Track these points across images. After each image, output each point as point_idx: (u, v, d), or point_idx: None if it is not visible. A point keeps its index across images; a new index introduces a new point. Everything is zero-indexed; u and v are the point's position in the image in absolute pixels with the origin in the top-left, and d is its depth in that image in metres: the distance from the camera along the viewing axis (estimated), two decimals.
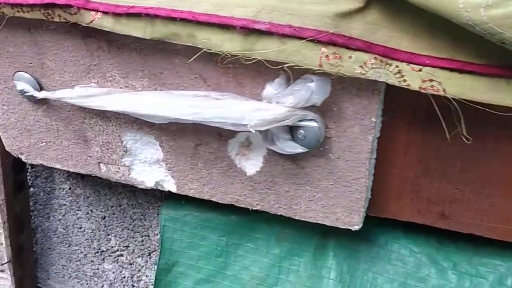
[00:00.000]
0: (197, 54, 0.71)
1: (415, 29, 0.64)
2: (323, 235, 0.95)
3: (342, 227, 0.82)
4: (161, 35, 0.72)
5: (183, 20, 0.70)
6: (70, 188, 1.18)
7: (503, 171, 0.74)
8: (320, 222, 0.83)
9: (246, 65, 0.71)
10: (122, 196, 1.13)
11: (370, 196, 0.81)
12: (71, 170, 0.98)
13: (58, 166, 0.99)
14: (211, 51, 0.70)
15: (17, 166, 1.12)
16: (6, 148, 1.02)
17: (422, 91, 0.64)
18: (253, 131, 0.72)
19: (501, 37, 0.55)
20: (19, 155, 1.01)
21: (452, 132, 0.69)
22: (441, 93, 0.63)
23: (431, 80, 0.63)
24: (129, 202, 1.13)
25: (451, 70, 0.63)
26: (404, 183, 0.81)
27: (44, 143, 0.97)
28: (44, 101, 0.92)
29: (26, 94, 0.88)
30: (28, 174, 1.20)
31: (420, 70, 0.64)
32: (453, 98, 0.63)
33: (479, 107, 0.63)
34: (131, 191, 1.12)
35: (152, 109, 0.78)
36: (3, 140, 1.01)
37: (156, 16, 0.71)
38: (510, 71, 0.61)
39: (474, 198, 0.78)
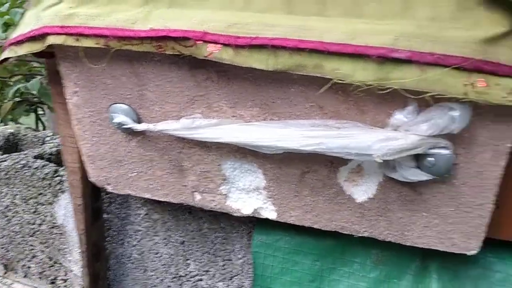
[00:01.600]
0: (327, 85, 0.69)
1: None
2: (423, 256, 0.93)
3: (457, 252, 0.81)
4: (285, 67, 0.70)
5: (311, 50, 0.68)
6: (146, 214, 1.16)
7: None
8: (433, 248, 0.82)
9: (370, 92, 0.69)
10: (203, 221, 1.11)
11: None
12: (162, 199, 0.96)
13: (148, 196, 0.97)
14: (340, 82, 0.68)
15: (94, 195, 1.10)
16: (91, 179, 1.00)
17: None
18: (380, 161, 0.71)
19: None
20: (105, 186, 0.99)
21: None
22: None
23: None
24: (210, 226, 1.11)
25: None
26: None
27: (135, 173, 0.95)
28: (138, 133, 0.90)
29: (124, 126, 0.86)
30: (103, 201, 1.18)
31: None
32: None
33: None
34: (212, 215, 1.10)
35: (268, 141, 0.76)
36: (89, 170, 0.99)
37: (282, 47, 0.69)
38: None
39: None
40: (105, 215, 1.20)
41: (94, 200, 1.11)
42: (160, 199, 0.97)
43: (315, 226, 0.89)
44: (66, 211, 1.26)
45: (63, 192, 1.26)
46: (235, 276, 1.14)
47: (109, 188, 0.99)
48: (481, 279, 0.90)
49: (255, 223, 1.05)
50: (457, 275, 0.91)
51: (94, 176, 0.99)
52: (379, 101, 0.72)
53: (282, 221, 0.90)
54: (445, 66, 0.64)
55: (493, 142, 0.70)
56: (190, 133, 0.81)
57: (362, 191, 0.82)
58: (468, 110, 0.67)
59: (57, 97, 0.98)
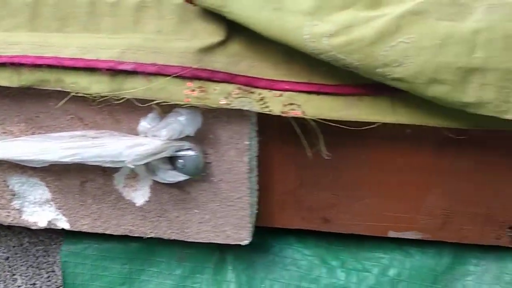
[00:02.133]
0: (66, 98, 0.72)
1: (275, 58, 0.69)
2: (221, 250, 0.98)
3: (232, 243, 0.86)
4: (29, 83, 0.72)
5: (49, 66, 0.70)
6: None
7: (369, 176, 0.81)
8: (212, 242, 0.87)
9: (123, 103, 0.72)
10: (23, 235, 1.11)
11: (257, 211, 0.86)
12: None
13: None
14: (80, 95, 0.71)
15: None
16: None
17: (284, 115, 0.69)
18: (132, 167, 0.74)
19: (344, 62, 0.61)
20: None
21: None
22: (301, 115, 0.68)
23: (291, 104, 0.69)
24: (30, 240, 1.11)
25: (309, 93, 0.69)
26: (286, 195, 0.86)
27: None
28: None
29: None
30: None
31: (281, 95, 0.69)
32: (313, 119, 0.69)
33: (337, 125, 0.69)
34: (31, 229, 1.10)
35: (31, 155, 0.77)
36: None
37: (22, 65, 0.71)
38: (360, 89, 0.67)
39: (348, 201, 0.85)
40: None
41: None
42: None
43: (107, 232, 0.91)
44: None
45: None
46: (60, 286, 1.14)
47: None
48: (272, 265, 0.96)
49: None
50: (251, 264, 0.97)
51: None
52: (130, 110, 0.76)
53: (76, 230, 0.92)
54: (167, 76, 0.68)
55: (234, 141, 0.76)
56: None
57: (140, 195, 0.86)
58: (196, 114, 0.72)
59: None
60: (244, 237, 0.86)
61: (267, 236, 0.96)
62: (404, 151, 0.77)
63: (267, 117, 0.73)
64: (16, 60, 0.71)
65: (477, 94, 0.60)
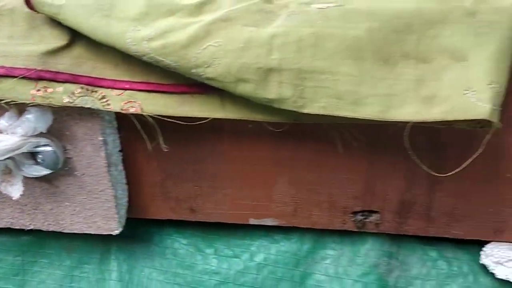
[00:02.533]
0: None
1: (115, 59, 0.75)
2: (106, 242, 1.04)
3: (104, 233, 0.93)
4: None
5: None
6: None
7: (225, 167, 0.88)
8: (86, 232, 0.93)
9: None
10: None
11: (127, 203, 0.92)
12: None
13: None
14: None
15: None
16: None
17: (124, 111, 0.75)
18: None
19: (163, 64, 0.68)
20: None
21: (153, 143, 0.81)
22: (140, 112, 0.75)
23: (130, 102, 0.75)
24: None
25: (147, 91, 0.75)
26: (154, 187, 0.93)
27: None
28: None
29: None
30: None
31: (121, 94, 0.75)
32: (151, 116, 0.75)
33: (174, 120, 0.75)
34: None
35: None
36: None
37: None
38: (192, 88, 0.74)
39: (210, 192, 0.91)
40: None
41: None
42: None
43: None
44: None
45: None
46: None
47: None
48: (153, 255, 1.03)
49: None
50: (133, 253, 1.03)
51: None
52: None
53: None
54: (14, 77, 0.74)
55: (88, 137, 0.82)
56: None
57: (16, 189, 0.91)
58: (45, 112, 0.78)
59: None
60: (114, 228, 0.92)
61: (150, 227, 1.03)
62: (249, 144, 0.84)
63: (127, 116, 0.78)
64: None
65: (277, 91, 0.68)
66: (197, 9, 0.72)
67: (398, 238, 0.95)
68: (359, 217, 0.90)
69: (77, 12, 0.70)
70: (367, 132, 0.78)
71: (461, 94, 0.63)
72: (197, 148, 0.86)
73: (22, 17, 0.77)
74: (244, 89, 0.68)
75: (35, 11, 0.73)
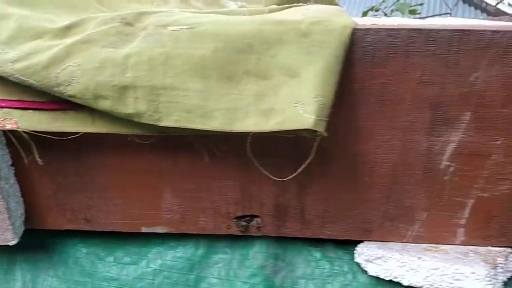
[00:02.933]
0: None
1: None
2: (12, 252, 1.08)
3: (1, 244, 0.96)
4: None
5: None
6: None
7: (113, 179, 0.93)
8: None
9: None
10: None
11: (23, 214, 0.96)
12: None
13: None
14: None
15: None
16: None
17: (1, 128, 0.80)
18: None
19: (28, 83, 0.73)
20: None
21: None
22: (16, 128, 0.80)
23: (7, 119, 0.80)
24: None
25: (23, 109, 0.80)
26: (49, 199, 0.97)
27: None
28: None
29: None
30: None
31: None
32: (26, 132, 0.80)
33: (47, 136, 0.80)
34: None
35: None
36: None
37: None
38: (63, 105, 0.79)
39: (101, 202, 0.96)
40: None
41: None
42: None
43: None
44: None
45: None
46: None
47: None
48: (56, 264, 1.06)
49: None
50: (36, 263, 1.07)
51: None
52: None
53: None
54: None
55: None
56: None
57: None
58: None
59: None
60: (10, 238, 0.96)
61: (53, 237, 1.07)
62: (130, 156, 0.89)
63: (16, 132, 0.83)
64: None
65: (133, 107, 0.73)
66: (63, 32, 0.77)
67: (284, 241, 1.01)
68: (243, 222, 0.95)
69: None
70: (231, 142, 0.84)
71: (292, 107, 0.69)
72: (81, 161, 0.91)
73: None
74: (104, 105, 0.73)
75: None
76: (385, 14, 5.19)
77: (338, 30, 0.71)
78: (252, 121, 0.70)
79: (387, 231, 0.93)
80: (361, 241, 0.97)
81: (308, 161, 0.74)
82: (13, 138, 0.83)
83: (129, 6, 1.01)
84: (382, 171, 0.85)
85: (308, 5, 1.07)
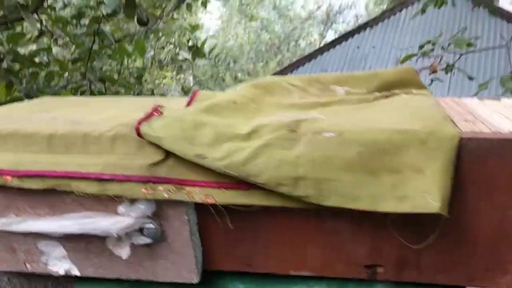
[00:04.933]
0: (82, 196, 1.18)
1: (196, 167, 1.14)
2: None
3: (187, 282, 1.30)
4: (50, 186, 1.19)
5: (61, 176, 1.17)
6: (8, 279, 1.60)
7: (275, 234, 1.24)
8: (174, 281, 1.31)
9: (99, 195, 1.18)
10: (47, 278, 1.57)
11: (202, 260, 1.30)
12: (6, 269, 1.41)
13: None
14: (81, 193, 1.17)
15: None
16: None
17: (203, 202, 1.13)
18: (116, 235, 1.20)
19: (230, 174, 1.06)
20: None
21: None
22: (214, 202, 1.13)
23: (207, 195, 1.13)
24: (53, 282, 1.56)
25: (218, 188, 1.13)
26: (221, 248, 1.30)
27: None
28: None
29: None
30: None
31: (200, 190, 1.13)
32: (221, 205, 1.13)
33: (239, 208, 1.13)
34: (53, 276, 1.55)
35: (54, 228, 1.24)
36: None
37: (45, 176, 1.18)
38: (247, 185, 1.12)
39: (262, 251, 1.28)
40: None
41: None
42: (3, 270, 1.42)
43: (106, 277, 1.36)
44: None
45: None
46: None
47: None
48: None
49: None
50: None
51: None
52: (112, 200, 1.21)
53: (84, 276, 1.37)
54: (132, 181, 1.14)
55: (177, 217, 1.21)
56: (7, 227, 1.28)
57: (124, 252, 1.30)
58: (151, 202, 1.17)
59: None
60: (193, 278, 1.29)
61: (217, 277, 1.39)
62: (289, 218, 1.20)
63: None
64: (41, 173, 1.18)
65: (305, 191, 1.04)
66: (247, 137, 1.10)
67: (402, 285, 1.28)
68: (369, 269, 1.24)
69: (172, 142, 1.10)
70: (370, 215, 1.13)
71: (421, 196, 0.98)
72: (252, 221, 1.23)
73: (133, 140, 1.17)
74: (283, 189, 1.05)
75: (141, 137, 1.13)
76: (442, 48, 5.33)
77: (448, 139, 1.00)
78: (391, 204, 1.00)
79: (486, 279, 1.18)
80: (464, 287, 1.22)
81: (435, 234, 1.02)
82: (211, 209, 1.16)
83: (277, 102, 1.34)
84: (485, 234, 1.11)
85: (404, 96, 1.36)
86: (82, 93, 3.29)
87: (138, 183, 1.14)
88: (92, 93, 3.18)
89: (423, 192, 0.98)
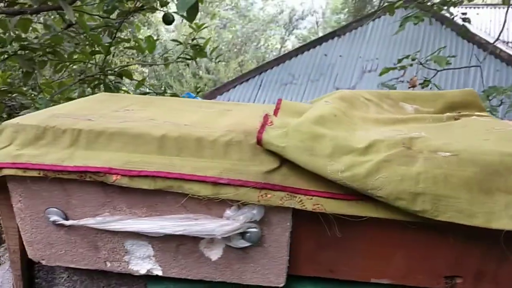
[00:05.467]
0: (186, 198, 1.21)
1: (308, 176, 1.20)
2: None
3: (273, 285, 1.35)
4: (161, 187, 1.22)
5: (175, 178, 1.20)
6: (68, 276, 1.59)
7: (362, 243, 1.31)
8: (259, 284, 1.36)
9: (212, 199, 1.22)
10: (111, 277, 1.57)
11: (288, 265, 1.35)
12: (82, 267, 1.42)
13: (72, 265, 1.42)
14: (194, 196, 1.20)
15: (28, 267, 1.52)
16: (30, 256, 1.43)
17: (314, 210, 1.19)
18: (220, 238, 1.24)
19: (350, 186, 1.13)
20: (40, 260, 1.43)
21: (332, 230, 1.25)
22: (324, 211, 1.19)
23: (317, 204, 1.19)
24: (117, 282, 1.57)
25: (327, 198, 1.19)
26: (307, 254, 1.36)
27: (63, 252, 1.40)
28: (65, 225, 1.35)
29: (57, 222, 1.32)
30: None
31: (311, 198, 1.19)
32: (330, 213, 1.19)
33: (346, 217, 1.19)
34: (118, 273, 1.56)
35: (155, 228, 1.26)
36: (29, 251, 1.42)
37: (157, 177, 1.20)
38: (357, 196, 1.18)
39: (346, 259, 1.35)
40: (36, 280, 1.62)
41: (29, 270, 1.53)
42: (80, 267, 1.42)
43: (189, 277, 1.39)
44: (2, 279, 1.66)
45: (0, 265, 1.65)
46: None
47: (43, 262, 1.43)
48: None
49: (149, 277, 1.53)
50: None
51: (32, 254, 1.42)
52: (217, 203, 1.25)
53: (166, 275, 1.40)
54: (247, 187, 1.18)
55: (280, 223, 1.26)
56: (102, 225, 1.29)
57: (215, 253, 1.34)
58: (262, 208, 1.22)
59: (2, 201, 1.41)
60: (281, 282, 1.35)
61: (296, 281, 1.45)
62: (378, 230, 1.28)
63: (298, 210, 1.22)
64: (154, 174, 1.20)
65: (422, 206, 1.12)
66: (365, 151, 1.17)
67: None
68: (450, 280, 1.33)
69: (294, 151, 1.16)
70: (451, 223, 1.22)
71: None
72: (345, 231, 1.30)
73: (247, 147, 1.21)
74: (400, 204, 1.13)
75: (261, 145, 1.18)
76: (421, 64, 5.59)
77: None
78: (505, 221, 1.09)
79: None
80: None
81: None
82: (320, 217, 1.22)
83: (363, 116, 1.42)
84: None
85: (476, 118, 1.47)
86: (96, 87, 3.24)
87: (253, 189, 1.19)
88: (107, 88, 3.14)
89: None
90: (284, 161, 1.20)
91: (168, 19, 3.32)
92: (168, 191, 1.23)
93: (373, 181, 1.12)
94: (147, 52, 3.46)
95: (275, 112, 1.42)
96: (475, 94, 1.62)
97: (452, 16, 5.77)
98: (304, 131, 1.20)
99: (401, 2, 5.42)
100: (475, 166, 1.13)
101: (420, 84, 5.66)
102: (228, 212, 1.25)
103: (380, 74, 5.39)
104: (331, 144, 1.18)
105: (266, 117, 1.27)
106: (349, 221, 1.24)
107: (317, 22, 18.02)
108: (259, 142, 1.19)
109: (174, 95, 4.12)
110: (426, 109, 1.58)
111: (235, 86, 8.84)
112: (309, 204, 1.19)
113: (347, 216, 1.20)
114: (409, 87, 5.59)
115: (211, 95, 8.42)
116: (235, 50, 18.01)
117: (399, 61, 5.60)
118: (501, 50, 6.84)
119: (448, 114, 1.53)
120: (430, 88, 5.71)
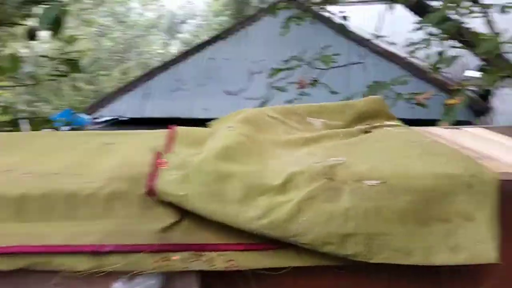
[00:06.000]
0: (57, 277, 0.92)
1: (216, 227, 0.96)
2: None
3: None
4: (23, 266, 0.91)
5: (39, 252, 0.90)
6: None
7: None
8: None
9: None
10: None
11: None
12: None
13: None
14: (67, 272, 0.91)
15: None
16: None
17: (226, 269, 0.95)
18: None
19: (269, 235, 0.91)
20: None
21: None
22: (238, 268, 0.96)
23: (230, 260, 0.96)
24: None
25: (242, 250, 0.96)
26: None
27: None
28: None
29: None
30: None
31: (222, 255, 0.95)
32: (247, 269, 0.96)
33: (263, 271, 0.97)
34: None
35: None
36: None
37: (17, 253, 0.90)
38: (273, 245, 0.96)
39: None
40: None
41: None
42: None
43: None
44: None
45: None
46: None
47: None
48: None
49: None
50: None
51: None
52: (102, 277, 0.96)
53: None
54: (139, 252, 0.92)
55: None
56: None
57: None
58: (161, 276, 0.96)
59: None
60: None
61: None
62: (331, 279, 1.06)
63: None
64: (12, 250, 0.90)
65: (353, 249, 0.93)
66: (282, 188, 0.96)
67: None
68: None
69: (198, 200, 0.91)
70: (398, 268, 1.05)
71: (474, 245, 0.93)
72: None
73: (136, 199, 0.95)
74: (329, 249, 0.93)
75: (153, 196, 0.92)
76: (309, 63, 5.62)
77: (491, 181, 0.96)
78: (444, 256, 0.93)
79: None
80: None
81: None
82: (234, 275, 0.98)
83: (272, 139, 1.21)
84: None
85: (388, 129, 1.32)
86: None
87: (147, 254, 0.93)
88: None
89: (477, 241, 0.94)
90: (185, 213, 0.95)
91: (31, 34, 2.92)
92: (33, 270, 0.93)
93: (297, 226, 0.91)
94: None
95: (169, 145, 1.16)
96: (381, 101, 1.49)
97: (331, 16, 5.83)
98: (209, 170, 0.97)
99: (283, 4, 5.37)
100: (407, 194, 0.95)
101: (309, 83, 5.65)
102: (116, 286, 0.97)
103: (271, 76, 5.30)
104: (242, 185, 0.95)
105: (158, 155, 1.01)
106: (270, 274, 1.02)
107: (199, 25, 17.86)
108: (151, 192, 0.93)
109: (44, 120, 3.58)
110: (334, 123, 1.41)
111: (121, 97, 8.39)
112: (220, 262, 0.96)
113: (266, 270, 0.98)
114: (298, 88, 5.56)
115: (93, 109, 7.91)
116: (117, 58, 17.33)
117: (286, 62, 5.55)
118: (378, 46, 7.10)
119: (358, 127, 1.37)
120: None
